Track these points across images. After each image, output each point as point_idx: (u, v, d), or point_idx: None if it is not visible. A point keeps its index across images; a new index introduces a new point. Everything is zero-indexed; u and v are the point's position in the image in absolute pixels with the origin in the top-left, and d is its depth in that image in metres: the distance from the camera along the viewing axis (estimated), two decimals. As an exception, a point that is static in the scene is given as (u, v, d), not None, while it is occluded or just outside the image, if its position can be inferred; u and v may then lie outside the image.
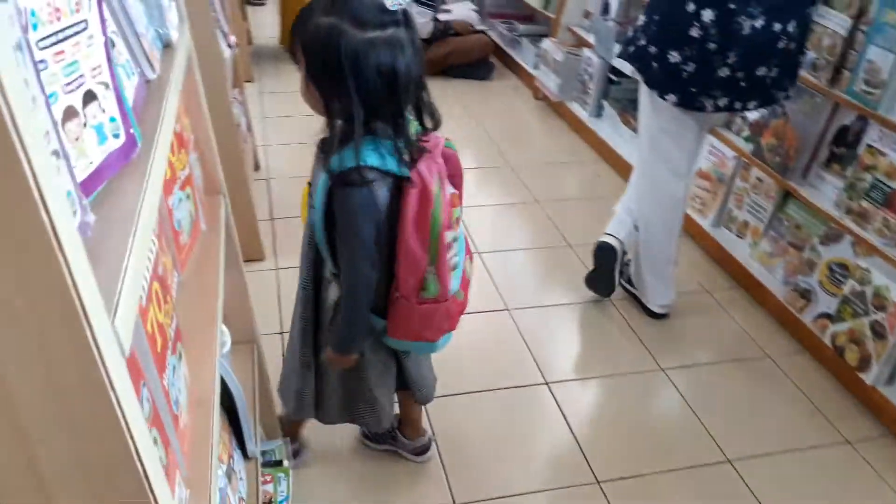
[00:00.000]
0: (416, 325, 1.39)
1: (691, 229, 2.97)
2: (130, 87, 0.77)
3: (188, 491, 0.75)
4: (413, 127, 1.31)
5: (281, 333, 2.31)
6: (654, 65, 2.10)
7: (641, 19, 2.19)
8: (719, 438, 2.07)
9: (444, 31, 4.54)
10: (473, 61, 4.64)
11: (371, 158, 1.23)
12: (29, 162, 0.37)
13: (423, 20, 4.37)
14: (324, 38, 1.17)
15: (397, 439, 1.92)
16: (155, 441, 0.65)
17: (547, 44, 4.17)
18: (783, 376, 2.32)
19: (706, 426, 2.11)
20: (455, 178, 1.41)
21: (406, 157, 1.26)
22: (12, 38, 0.47)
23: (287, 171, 3.38)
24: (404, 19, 1.21)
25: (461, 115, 4.18)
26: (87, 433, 0.48)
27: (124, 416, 0.48)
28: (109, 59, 0.66)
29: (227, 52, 2.49)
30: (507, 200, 3.30)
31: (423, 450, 1.92)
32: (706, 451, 2.03)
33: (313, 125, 1.34)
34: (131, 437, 0.49)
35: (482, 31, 4.76)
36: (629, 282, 2.62)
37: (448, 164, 1.38)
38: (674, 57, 2.04)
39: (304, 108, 1.33)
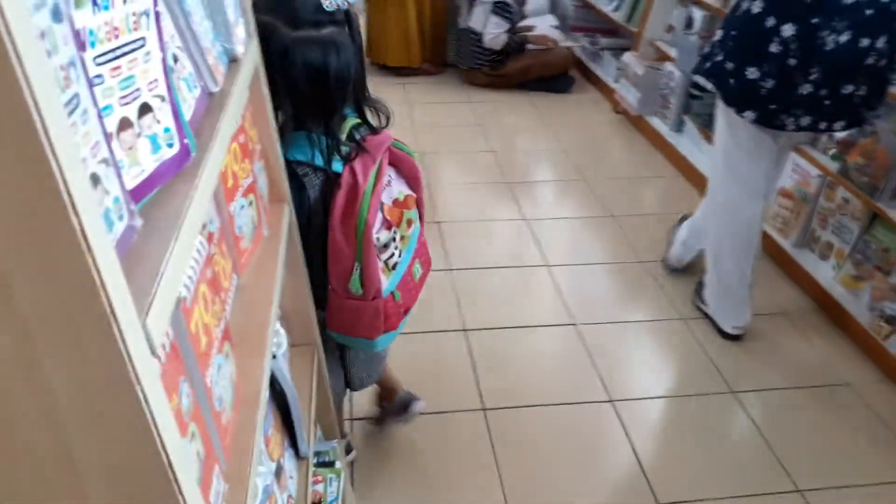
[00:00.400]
0: (347, 320, 1.38)
1: (772, 249, 2.86)
2: (192, 100, 0.82)
3: (227, 485, 0.79)
4: (350, 123, 1.33)
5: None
6: (731, 81, 2.05)
7: (718, 34, 2.14)
8: (790, 467, 1.99)
9: (519, 45, 4.52)
10: (553, 74, 4.62)
11: (299, 153, 1.27)
12: (60, 170, 0.41)
13: (497, 31, 4.37)
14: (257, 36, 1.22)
15: (386, 411, 1.99)
16: (192, 435, 0.69)
17: (628, 57, 4.12)
18: (863, 406, 2.21)
19: (777, 453, 2.03)
20: (411, 180, 1.43)
21: (338, 154, 1.28)
22: (65, 55, 0.51)
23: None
24: (346, 19, 1.24)
25: (539, 127, 4.17)
26: (115, 427, 0.51)
27: (151, 412, 0.51)
28: (166, 74, 0.70)
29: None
30: (582, 214, 3.27)
31: (404, 405, 1.95)
32: (775, 480, 1.95)
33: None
34: (157, 432, 0.52)
35: (564, 47, 4.71)
36: (702, 300, 2.56)
37: (403, 167, 1.40)
38: (752, 73, 1.99)
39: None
